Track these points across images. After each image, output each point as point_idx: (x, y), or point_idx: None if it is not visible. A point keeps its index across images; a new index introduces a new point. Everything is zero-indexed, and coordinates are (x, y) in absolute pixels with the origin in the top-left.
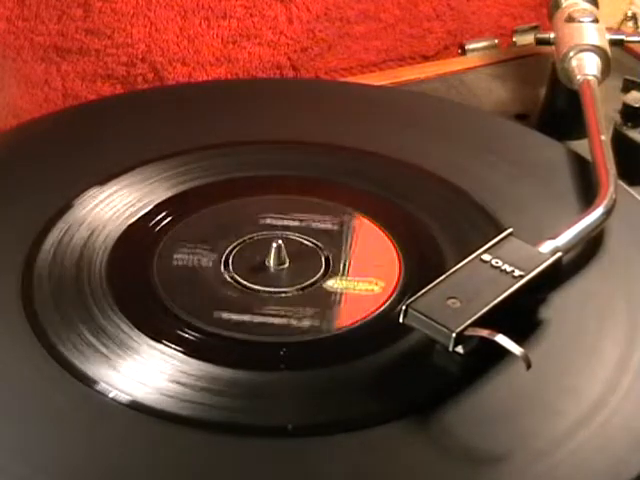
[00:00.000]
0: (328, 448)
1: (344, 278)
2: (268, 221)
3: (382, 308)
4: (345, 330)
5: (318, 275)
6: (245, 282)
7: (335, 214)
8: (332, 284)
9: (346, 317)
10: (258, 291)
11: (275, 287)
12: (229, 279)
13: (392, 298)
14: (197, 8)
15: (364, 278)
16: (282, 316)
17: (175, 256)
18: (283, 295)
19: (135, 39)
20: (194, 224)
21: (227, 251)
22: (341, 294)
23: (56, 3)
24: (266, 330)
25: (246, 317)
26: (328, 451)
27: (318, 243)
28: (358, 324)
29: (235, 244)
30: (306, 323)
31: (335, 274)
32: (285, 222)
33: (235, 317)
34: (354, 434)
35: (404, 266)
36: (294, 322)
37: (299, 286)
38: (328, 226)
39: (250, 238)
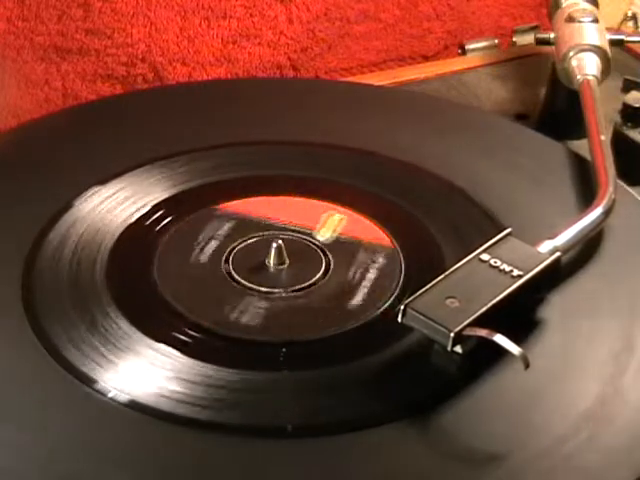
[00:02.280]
0: (328, 448)
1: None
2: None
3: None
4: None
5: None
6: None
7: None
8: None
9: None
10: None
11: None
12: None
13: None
14: (197, 8)
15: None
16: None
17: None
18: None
19: (135, 39)
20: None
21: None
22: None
23: (56, 3)
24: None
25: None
26: (328, 451)
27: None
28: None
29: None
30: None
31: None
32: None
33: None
34: (354, 434)
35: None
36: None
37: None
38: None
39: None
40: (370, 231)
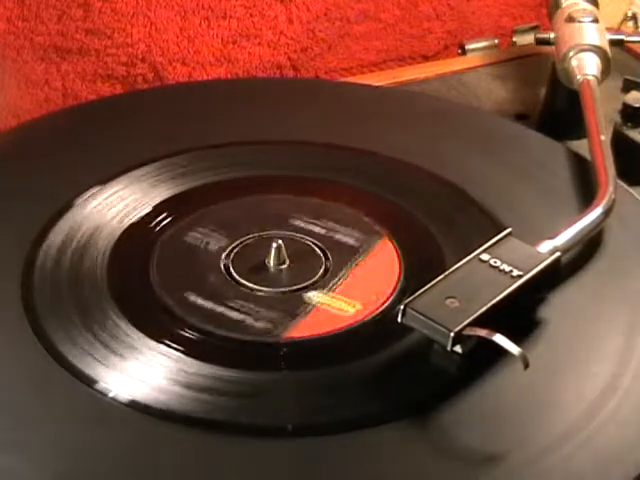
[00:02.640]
0: (328, 448)
1: (328, 293)
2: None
3: (338, 331)
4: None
5: (305, 284)
6: (245, 282)
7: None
8: (312, 296)
9: (304, 329)
10: (258, 290)
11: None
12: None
13: (357, 324)
14: (197, 8)
15: (346, 298)
16: (241, 312)
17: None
18: (259, 294)
19: (135, 39)
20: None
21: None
22: (313, 307)
23: (56, 3)
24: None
25: (246, 317)
26: (328, 451)
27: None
28: (312, 338)
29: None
30: (260, 325)
31: (321, 287)
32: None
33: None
34: (354, 434)
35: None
36: (250, 321)
37: (281, 289)
38: (330, 227)
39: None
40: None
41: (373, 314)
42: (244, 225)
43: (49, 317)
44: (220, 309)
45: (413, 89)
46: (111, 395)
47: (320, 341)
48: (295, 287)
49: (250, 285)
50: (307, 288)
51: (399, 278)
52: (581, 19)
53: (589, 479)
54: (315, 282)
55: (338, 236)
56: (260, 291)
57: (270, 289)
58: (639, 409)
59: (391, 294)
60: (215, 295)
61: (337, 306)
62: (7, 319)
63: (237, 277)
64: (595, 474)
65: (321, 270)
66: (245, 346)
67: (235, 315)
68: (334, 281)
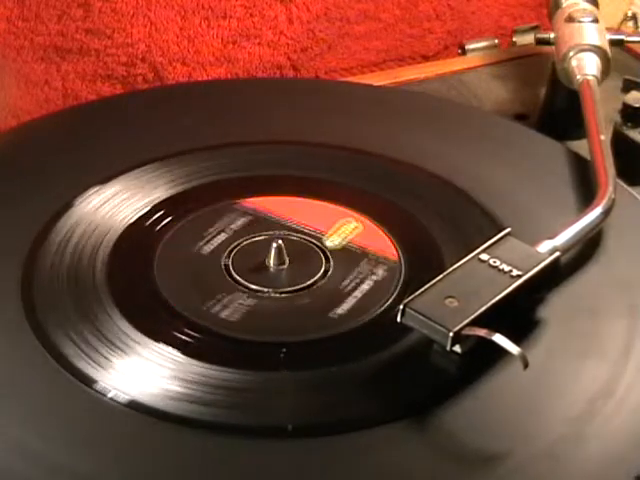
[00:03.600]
0: (328, 448)
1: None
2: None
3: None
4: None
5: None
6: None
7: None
8: (330, 243)
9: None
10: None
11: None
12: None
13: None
14: (197, 8)
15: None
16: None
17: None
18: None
19: (135, 39)
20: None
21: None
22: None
23: (56, 3)
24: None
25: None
26: (328, 451)
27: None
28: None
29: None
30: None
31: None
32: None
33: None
34: (354, 434)
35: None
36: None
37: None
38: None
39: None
40: (378, 241)
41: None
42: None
43: (49, 317)
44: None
45: (413, 89)
46: (111, 395)
47: (320, 341)
48: (295, 287)
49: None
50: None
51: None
52: (581, 19)
53: (589, 479)
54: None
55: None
56: (260, 291)
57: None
58: (638, 409)
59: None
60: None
61: (349, 231)
62: (7, 319)
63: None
64: (595, 474)
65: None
66: (245, 346)
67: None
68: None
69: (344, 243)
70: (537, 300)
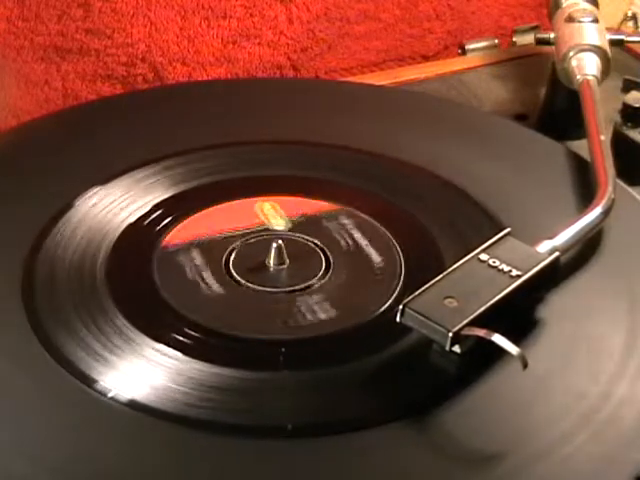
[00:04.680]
0: (328, 448)
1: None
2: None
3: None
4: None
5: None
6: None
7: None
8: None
9: None
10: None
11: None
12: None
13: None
14: (197, 8)
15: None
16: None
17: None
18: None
19: (135, 39)
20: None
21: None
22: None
23: (56, 3)
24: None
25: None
26: (328, 451)
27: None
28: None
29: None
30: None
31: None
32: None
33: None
34: (354, 434)
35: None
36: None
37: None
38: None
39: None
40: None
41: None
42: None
43: (49, 317)
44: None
45: (413, 89)
46: (111, 395)
47: (320, 341)
48: (295, 287)
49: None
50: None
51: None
52: (581, 19)
53: (588, 479)
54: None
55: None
56: (260, 291)
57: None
58: (638, 410)
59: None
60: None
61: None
62: (7, 319)
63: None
64: (595, 474)
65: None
66: (245, 346)
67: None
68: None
69: (286, 220)
70: (536, 300)
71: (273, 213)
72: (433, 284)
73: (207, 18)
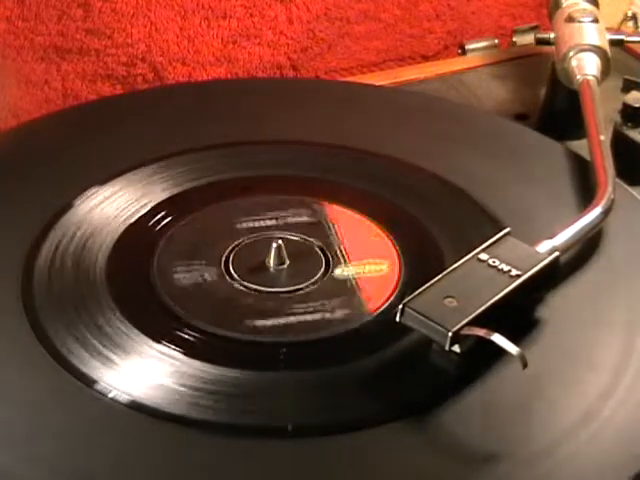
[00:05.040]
0: (328, 448)
1: (348, 264)
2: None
3: (400, 285)
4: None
5: (316, 276)
6: (245, 282)
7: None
8: (341, 272)
9: (374, 300)
10: (258, 290)
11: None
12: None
13: (402, 274)
14: (197, 8)
15: (369, 260)
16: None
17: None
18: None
19: (135, 39)
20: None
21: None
22: (354, 279)
23: (56, 3)
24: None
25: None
26: (328, 451)
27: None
28: (312, 338)
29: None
30: (338, 314)
31: (337, 263)
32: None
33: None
34: (354, 434)
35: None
36: (326, 315)
37: (297, 286)
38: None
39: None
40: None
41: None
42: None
43: (49, 317)
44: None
45: (413, 89)
46: (111, 395)
47: (320, 341)
48: (295, 287)
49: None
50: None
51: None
52: (581, 19)
53: (588, 479)
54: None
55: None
56: (260, 291)
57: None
58: (637, 410)
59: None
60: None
61: (370, 269)
62: (7, 319)
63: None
64: (594, 474)
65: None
66: (245, 346)
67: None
68: (340, 253)
69: (352, 275)
70: (536, 300)
71: (365, 268)
72: (433, 284)
73: (207, 18)
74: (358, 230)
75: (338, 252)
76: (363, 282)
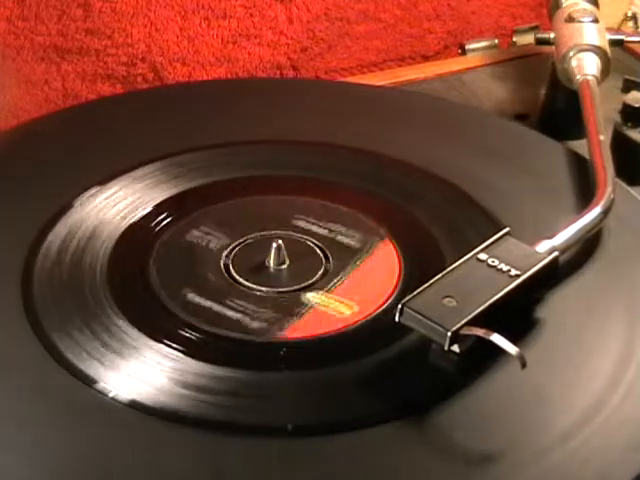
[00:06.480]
0: (328, 448)
1: (325, 294)
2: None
3: (338, 332)
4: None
5: (304, 284)
6: (245, 282)
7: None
8: (310, 297)
9: (300, 330)
10: (258, 290)
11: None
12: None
13: (354, 325)
14: (197, 8)
15: (344, 299)
16: (239, 312)
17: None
18: (259, 294)
19: (135, 39)
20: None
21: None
22: (310, 308)
23: (56, 3)
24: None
25: (246, 317)
26: (328, 451)
27: (319, 244)
28: (312, 338)
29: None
30: (256, 324)
31: (319, 288)
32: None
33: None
34: (354, 434)
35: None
36: (247, 320)
37: (279, 289)
38: (330, 228)
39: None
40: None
41: (368, 317)
42: (244, 225)
43: (49, 317)
44: (220, 309)
45: (413, 89)
46: (111, 395)
47: (320, 341)
48: (294, 287)
49: (250, 285)
50: (306, 288)
51: (399, 278)
52: (581, 19)
53: (588, 479)
54: (314, 282)
55: (338, 237)
56: (259, 291)
57: (269, 289)
58: (638, 410)
59: (391, 294)
60: (215, 295)
61: (334, 307)
62: (7, 319)
63: (237, 277)
64: (594, 474)
65: (321, 270)
66: (245, 346)
67: (234, 315)
68: (333, 281)
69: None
70: (535, 300)
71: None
72: (432, 283)
73: (207, 18)
74: (378, 267)
75: (335, 279)
76: (313, 313)
